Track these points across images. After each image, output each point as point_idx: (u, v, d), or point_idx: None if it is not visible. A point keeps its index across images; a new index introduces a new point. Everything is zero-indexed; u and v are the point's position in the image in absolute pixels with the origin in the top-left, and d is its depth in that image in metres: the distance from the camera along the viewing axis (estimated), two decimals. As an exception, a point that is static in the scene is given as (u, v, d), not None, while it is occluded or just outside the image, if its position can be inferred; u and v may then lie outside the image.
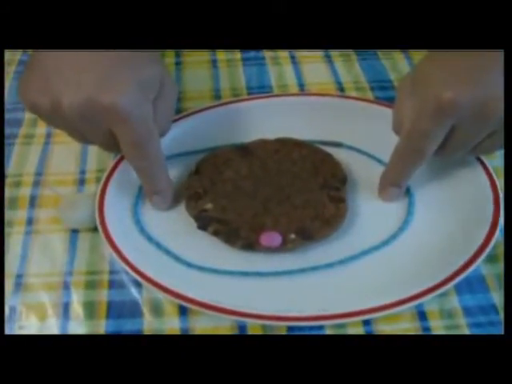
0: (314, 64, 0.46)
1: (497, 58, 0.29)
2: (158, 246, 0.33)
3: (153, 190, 0.34)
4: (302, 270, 0.32)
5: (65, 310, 0.32)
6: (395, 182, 0.34)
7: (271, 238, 0.32)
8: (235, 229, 0.33)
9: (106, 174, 0.36)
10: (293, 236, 0.33)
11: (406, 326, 0.30)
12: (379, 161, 0.37)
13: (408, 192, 0.36)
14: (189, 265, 0.32)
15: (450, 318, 0.30)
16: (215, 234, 0.33)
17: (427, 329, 0.30)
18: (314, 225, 0.33)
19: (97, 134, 0.32)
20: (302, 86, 0.45)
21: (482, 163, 0.35)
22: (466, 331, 0.30)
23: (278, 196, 0.35)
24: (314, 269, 0.32)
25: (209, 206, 0.35)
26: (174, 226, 0.35)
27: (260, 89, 0.45)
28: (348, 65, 0.46)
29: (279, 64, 0.47)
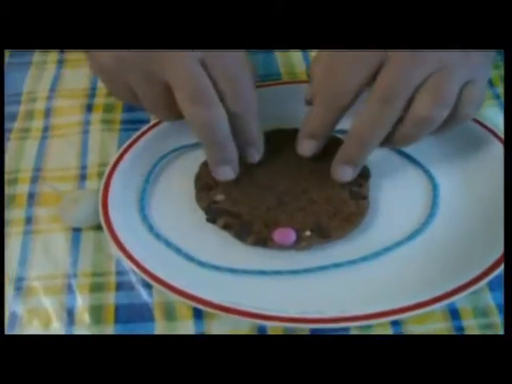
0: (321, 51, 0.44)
1: None
2: (168, 244, 0.31)
3: (218, 157, 0.32)
4: (324, 268, 0.30)
5: (69, 315, 0.29)
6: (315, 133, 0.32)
7: (285, 235, 0.30)
8: (247, 223, 0.31)
9: (109, 168, 0.34)
10: (308, 233, 0.30)
11: (437, 326, 0.28)
12: (398, 150, 0.35)
13: (433, 183, 0.33)
14: (202, 264, 0.30)
15: (485, 317, 0.28)
16: (225, 227, 0.31)
17: (460, 328, 0.28)
18: (331, 222, 0.31)
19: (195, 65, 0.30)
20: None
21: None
22: (502, 330, 0.28)
23: (295, 190, 0.33)
24: (336, 266, 0.30)
25: (220, 197, 0.32)
26: (185, 221, 0.32)
27: (268, 76, 0.42)
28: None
29: (287, 51, 0.44)
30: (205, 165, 0.34)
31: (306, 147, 0.33)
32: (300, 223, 0.31)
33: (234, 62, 0.31)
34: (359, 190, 0.32)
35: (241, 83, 0.31)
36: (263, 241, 0.30)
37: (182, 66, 0.30)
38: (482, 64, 0.30)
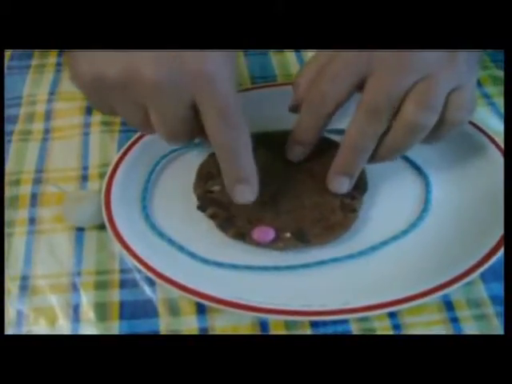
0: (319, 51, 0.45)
1: None
2: (171, 241, 0.32)
3: (237, 176, 0.30)
4: (323, 263, 0.31)
5: (75, 313, 0.30)
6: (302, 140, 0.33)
7: (264, 233, 0.31)
8: (232, 216, 0.32)
9: (110, 169, 0.35)
10: (288, 235, 0.31)
11: (433, 318, 0.29)
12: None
13: (425, 179, 0.35)
14: (204, 261, 0.31)
15: (478, 308, 0.29)
16: (212, 217, 0.32)
17: (455, 319, 0.29)
18: (313, 229, 0.31)
19: (177, 108, 0.28)
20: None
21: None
22: (495, 321, 0.29)
23: (289, 192, 0.33)
24: (335, 261, 0.31)
25: (216, 188, 0.33)
26: (187, 219, 0.33)
27: (264, 78, 0.44)
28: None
29: (282, 53, 0.46)
30: (212, 155, 0.35)
31: (294, 153, 0.33)
32: (282, 224, 0.32)
33: (230, 96, 0.28)
34: (351, 202, 0.32)
35: (237, 116, 0.29)
36: (243, 235, 0.31)
37: (166, 109, 0.28)
38: (468, 70, 0.30)
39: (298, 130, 0.33)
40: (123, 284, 0.31)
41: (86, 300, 0.30)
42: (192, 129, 0.29)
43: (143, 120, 0.29)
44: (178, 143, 0.31)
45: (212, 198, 0.33)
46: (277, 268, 0.31)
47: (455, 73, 0.30)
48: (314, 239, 0.31)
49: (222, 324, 0.29)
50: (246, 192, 0.30)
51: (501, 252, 0.29)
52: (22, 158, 0.38)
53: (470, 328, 0.29)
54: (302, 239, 0.31)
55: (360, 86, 0.30)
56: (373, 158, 0.31)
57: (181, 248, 0.32)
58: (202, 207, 0.33)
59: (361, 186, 0.33)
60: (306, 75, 0.33)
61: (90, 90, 0.29)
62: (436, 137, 0.31)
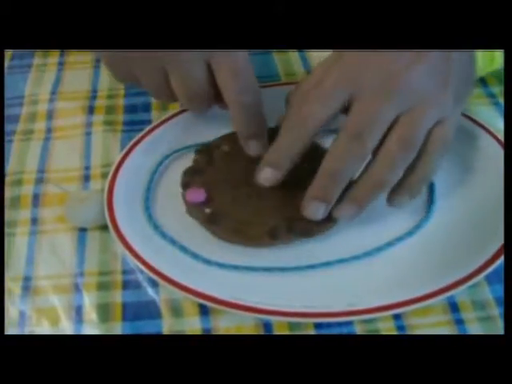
0: (320, 51, 0.45)
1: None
2: (173, 242, 0.32)
3: (248, 132, 0.33)
4: (327, 264, 0.31)
5: (77, 314, 0.30)
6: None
7: (195, 194, 0.32)
8: (200, 170, 0.34)
9: (113, 169, 0.34)
10: (208, 210, 0.32)
11: (438, 319, 0.29)
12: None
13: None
14: (207, 261, 0.31)
15: (483, 310, 0.29)
16: (194, 162, 0.35)
17: (460, 321, 0.29)
18: (231, 224, 0.31)
19: (194, 68, 0.32)
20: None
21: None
22: (500, 322, 0.29)
23: (258, 189, 0.31)
24: (340, 262, 0.31)
25: (225, 147, 0.35)
26: (189, 220, 0.33)
27: (267, 78, 0.43)
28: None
29: (284, 52, 0.45)
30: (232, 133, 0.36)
31: (267, 176, 0.30)
32: (218, 203, 0.32)
33: (240, 59, 0.33)
34: (308, 228, 0.31)
35: (247, 76, 0.33)
36: (183, 196, 0.33)
37: (183, 68, 0.32)
38: (456, 101, 0.30)
39: (273, 152, 0.30)
40: (126, 285, 0.31)
41: (89, 301, 0.30)
42: (209, 91, 0.33)
43: (163, 84, 0.33)
44: (196, 107, 0.35)
45: (209, 152, 0.35)
46: (280, 269, 0.31)
47: (442, 105, 0.29)
48: (222, 234, 0.31)
49: (226, 325, 0.29)
50: (256, 145, 0.34)
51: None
52: (23, 157, 0.38)
53: (475, 329, 0.29)
54: (214, 222, 0.31)
55: (345, 109, 0.29)
56: (356, 193, 0.30)
57: (183, 249, 0.31)
58: (197, 151, 0.35)
59: (331, 219, 0.30)
60: (296, 95, 0.31)
61: (113, 58, 0.34)
62: (415, 169, 0.30)
